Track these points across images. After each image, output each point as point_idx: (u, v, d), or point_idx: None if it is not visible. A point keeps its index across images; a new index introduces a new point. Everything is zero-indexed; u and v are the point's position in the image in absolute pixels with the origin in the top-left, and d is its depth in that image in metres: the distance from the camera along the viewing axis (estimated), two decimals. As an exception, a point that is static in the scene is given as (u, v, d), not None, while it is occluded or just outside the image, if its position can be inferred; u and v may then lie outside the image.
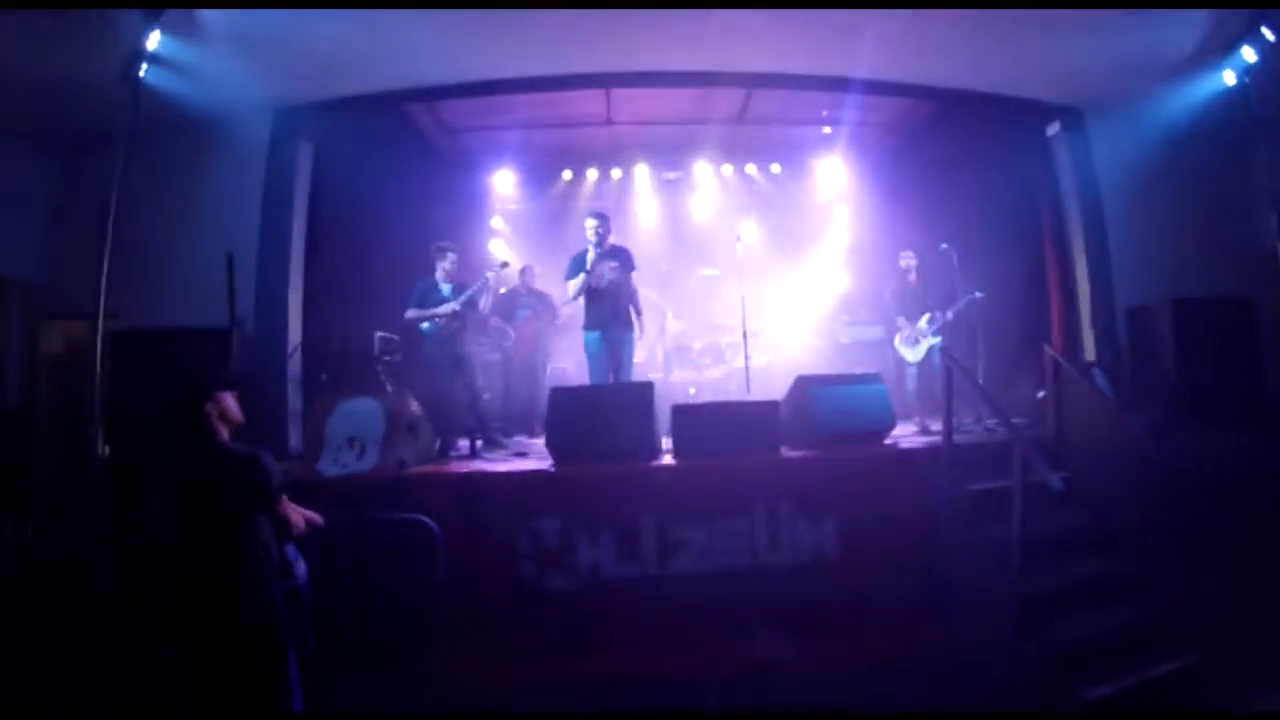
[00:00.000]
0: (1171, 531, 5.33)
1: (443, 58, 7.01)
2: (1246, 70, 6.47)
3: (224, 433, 3.48)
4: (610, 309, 6.77)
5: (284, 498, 3.52)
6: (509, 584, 5.33)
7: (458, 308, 6.81)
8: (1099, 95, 7.79)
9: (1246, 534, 5.61)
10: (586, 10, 6.05)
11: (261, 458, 3.40)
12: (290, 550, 3.65)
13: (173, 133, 6.80)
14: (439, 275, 6.95)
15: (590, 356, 6.85)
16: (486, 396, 7.80)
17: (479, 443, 6.79)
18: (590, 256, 6.69)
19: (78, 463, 6.00)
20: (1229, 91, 6.72)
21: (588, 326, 6.86)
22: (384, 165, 8.21)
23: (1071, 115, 8.19)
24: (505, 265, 7.66)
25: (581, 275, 6.69)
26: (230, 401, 3.53)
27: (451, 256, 6.99)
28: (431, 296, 6.87)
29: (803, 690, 4.80)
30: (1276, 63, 6.26)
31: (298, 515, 3.60)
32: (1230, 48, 6.47)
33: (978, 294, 7.27)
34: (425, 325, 6.85)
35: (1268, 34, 6.13)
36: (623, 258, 6.86)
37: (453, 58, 7.03)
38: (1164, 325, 7.12)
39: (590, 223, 6.80)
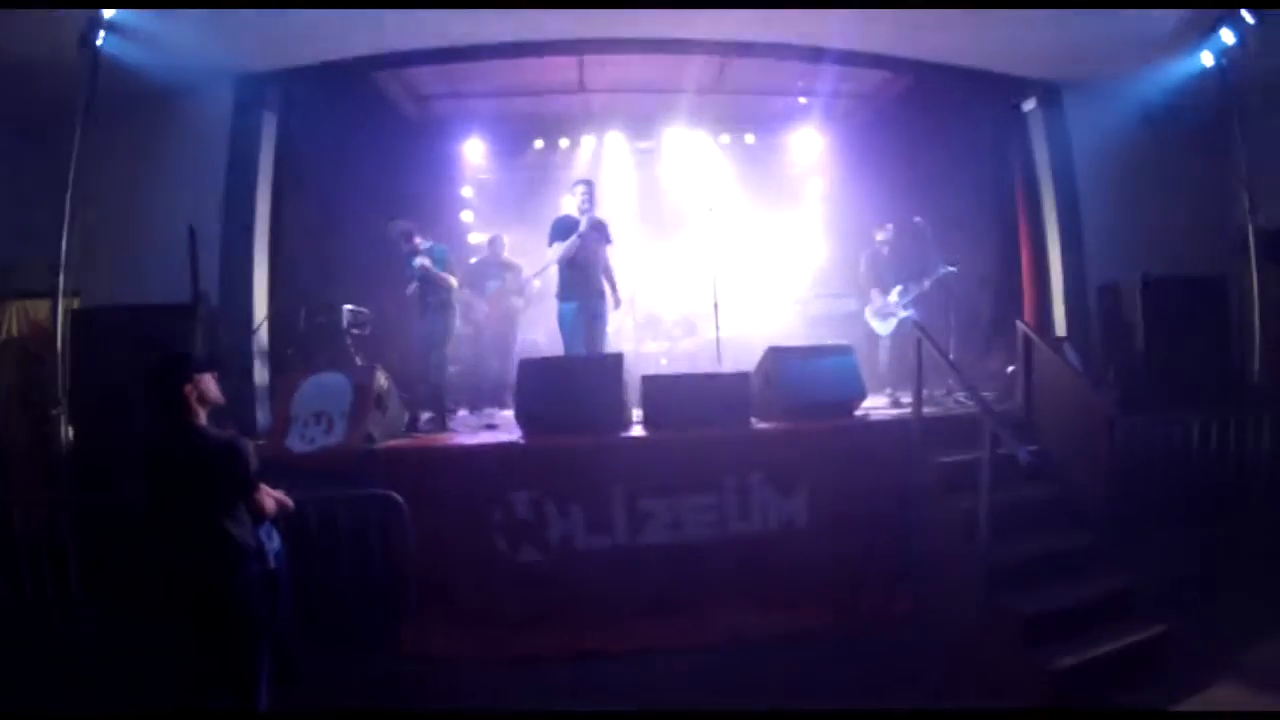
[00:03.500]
0: (1139, 504, 5.42)
1: (411, 23, 6.80)
2: (1223, 52, 6.48)
3: (202, 415, 3.44)
4: (586, 280, 6.75)
5: (259, 481, 3.48)
6: (481, 557, 5.32)
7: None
8: (1076, 72, 7.77)
9: (1213, 507, 5.73)
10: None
11: (240, 446, 3.38)
12: (264, 531, 3.62)
13: (132, 104, 6.56)
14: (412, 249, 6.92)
15: (565, 327, 6.81)
16: (453, 369, 7.71)
17: (448, 414, 6.74)
18: (583, 223, 6.65)
19: (42, 446, 5.89)
20: (1205, 72, 6.73)
21: (563, 297, 6.81)
22: (351, 134, 8.05)
23: (1048, 91, 8.17)
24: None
25: (571, 239, 6.65)
26: (210, 383, 3.48)
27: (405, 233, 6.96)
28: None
29: (775, 660, 4.86)
30: (1254, 45, 6.26)
31: (270, 500, 3.58)
32: (1208, 29, 6.47)
33: (950, 267, 7.28)
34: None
35: (1246, 16, 6.13)
36: (602, 229, 6.80)
37: (421, 23, 6.83)
38: (1134, 302, 7.16)
39: (580, 189, 6.78)
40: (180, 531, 3.33)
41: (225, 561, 3.32)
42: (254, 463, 3.41)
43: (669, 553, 5.35)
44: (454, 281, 7.00)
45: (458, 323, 7.27)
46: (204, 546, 3.31)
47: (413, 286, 6.94)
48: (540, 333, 8.78)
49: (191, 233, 6.02)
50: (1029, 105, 8.35)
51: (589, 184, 6.86)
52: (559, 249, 6.72)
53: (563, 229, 6.76)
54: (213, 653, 3.35)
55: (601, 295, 6.89)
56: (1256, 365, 6.56)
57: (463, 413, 7.56)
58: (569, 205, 7.15)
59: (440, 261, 6.87)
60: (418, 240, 6.90)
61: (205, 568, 3.31)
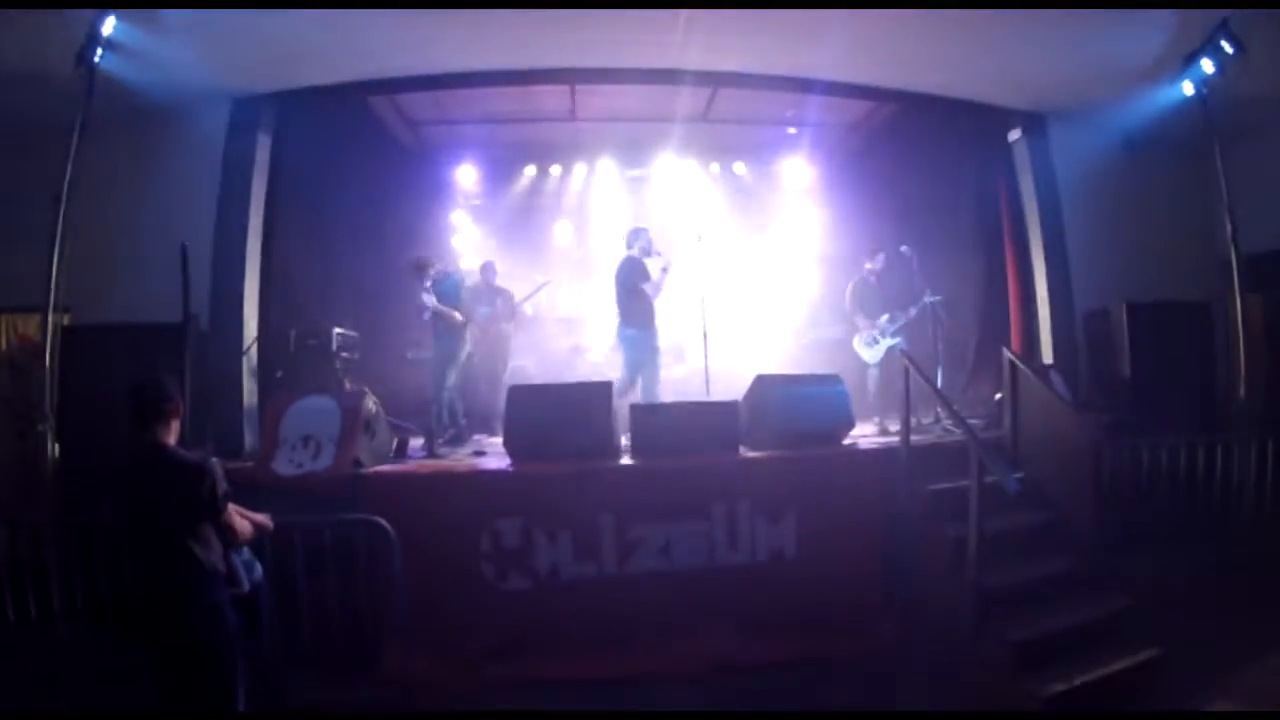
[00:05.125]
0: (1127, 529, 5.45)
1: (405, 49, 6.89)
2: (1204, 81, 6.58)
3: (174, 437, 3.43)
4: (652, 312, 7.06)
5: (229, 506, 3.46)
6: (468, 584, 5.28)
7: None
8: (1061, 102, 7.90)
9: (1200, 530, 5.77)
10: (551, 6, 5.99)
11: (208, 468, 3.35)
12: (243, 556, 3.59)
13: (127, 121, 6.61)
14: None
15: (639, 350, 6.97)
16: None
17: (438, 441, 6.73)
18: (656, 269, 7.05)
19: (27, 462, 5.84)
20: (1187, 101, 6.83)
21: (638, 325, 6.98)
22: (344, 158, 8.09)
23: (1033, 121, 8.30)
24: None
25: (658, 277, 7.06)
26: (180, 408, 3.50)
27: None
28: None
29: (763, 688, 4.84)
30: (1234, 75, 6.38)
31: (244, 522, 3.56)
32: (1189, 59, 6.57)
33: (936, 297, 7.34)
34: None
35: (1226, 47, 6.24)
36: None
37: (415, 50, 6.92)
38: (1120, 328, 7.24)
39: (642, 234, 7.18)
40: (145, 551, 3.32)
41: (188, 584, 3.28)
42: (222, 485, 3.38)
43: (657, 581, 5.32)
44: (458, 317, 7.14)
45: (466, 349, 7.33)
46: (167, 568, 3.28)
47: (426, 314, 7.12)
48: (530, 359, 8.78)
49: (184, 252, 6.01)
50: (1014, 135, 8.47)
51: (646, 229, 7.27)
52: (632, 287, 7.01)
53: (634, 271, 7.04)
54: (178, 676, 3.29)
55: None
56: (1241, 389, 6.61)
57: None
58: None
59: (450, 293, 7.06)
60: (432, 272, 7.07)
61: (167, 589, 3.27)
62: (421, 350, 7.96)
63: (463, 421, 7.23)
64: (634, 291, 6.98)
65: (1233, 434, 6.17)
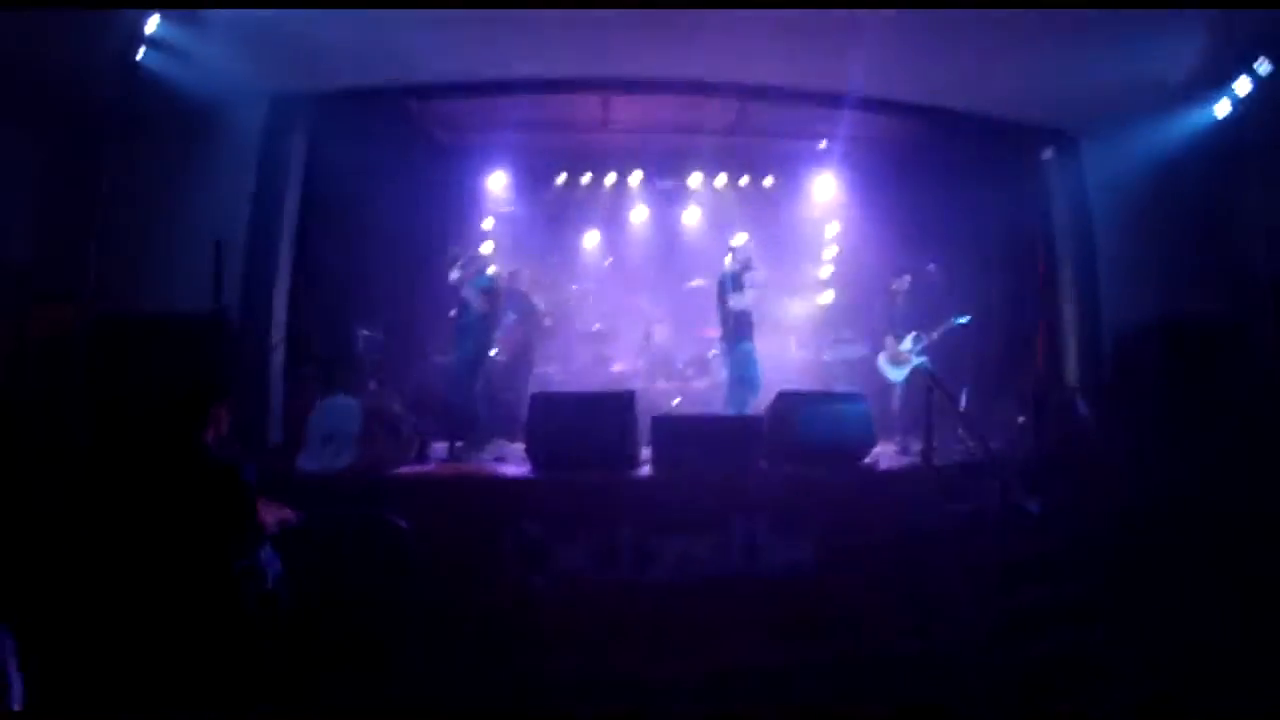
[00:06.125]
0: (1150, 557, 5.36)
1: (442, 55, 6.95)
2: (1241, 101, 6.49)
3: (210, 437, 3.48)
4: (751, 325, 7.28)
5: (258, 504, 3.50)
6: (485, 589, 5.30)
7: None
8: (1094, 121, 7.80)
9: (1227, 563, 5.65)
10: (586, 11, 6.04)
11: (243, 472, 3.40)
12: (265, 552, 3.63)
13: (166, 117, 6.66)
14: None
15: (748, 363, 7.17)
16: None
17: (458, 444, 6.77)
18: (748, 284, 7.27)
19: (61, 449, 5.93)
20: (1223, 121, 6.75)
21: (745, 338, 7.23)
22: (378, 161, 8.15)
23: (1065, 140, 8.21)
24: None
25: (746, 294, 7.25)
26: (224, 414, 3.55)
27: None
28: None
29: (775, 701, 4.82)
30: (1271, 94, 6.29)
31: (271, 518, 3.59)
32: (1225, 78, 6.49)
33: (964, 319, 7.29)
34: None
35: (1262, 67, 6.16)
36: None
37: (452, 55, 6.98)
38: (1151, 351, 7.13)
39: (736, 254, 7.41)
40: (179, 553, 3.34)
41: (218, 582, 3.32)
42: (254, 486, 3.43)
43: (674, 592, 5.33)
44: (479, 306, 7.10)
45: (491, 349, 7.39)
46: (198, 566, 3.31)
47: (452, 312, 7.23)
48: (554, 366, 8.80)
49: (218, 247, 6.10)
50: (1047, 154, 8.38)
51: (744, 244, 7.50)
52: (732, 302, 7.22)
53: (733, 285, 7.24)
54: (203, 672, 3.31)
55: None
56: (1275, 413, 6.45)
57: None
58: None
59: (484, 290, 7.06)
60: (460, 266, 7.15)
61: (198, 587, 3.30)
62: (448, 353, 8.01)
63: (482, 427, 7.22)
64: (729, 305, 7.15)
65: (1265, 459, 6.04)
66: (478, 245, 9.63)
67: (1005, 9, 5.70)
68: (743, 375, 7.12)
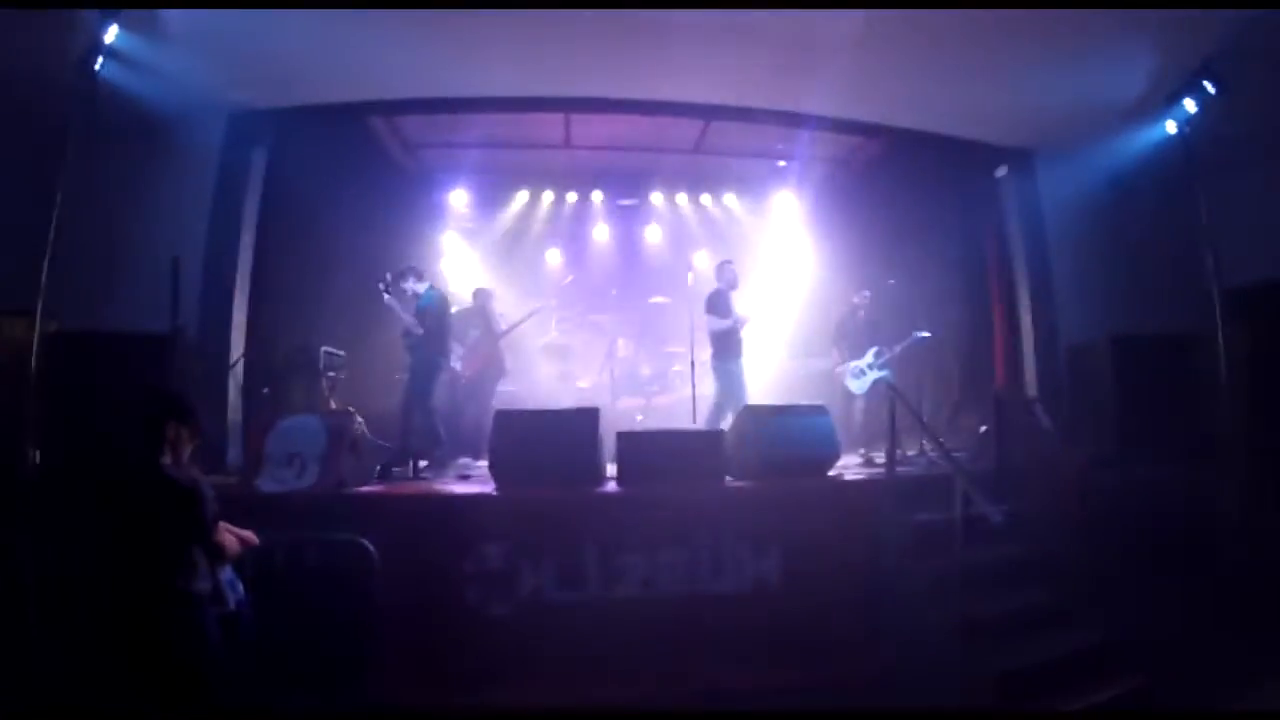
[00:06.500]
0: (1112, 560, 5.47)
1: (404, 71, 6.95)
2: (1187, 120, 6.71)
3: (169, 457, 3.39)
4: (741, 344, 7.28)
5: (218, 524, 3.43)
6: (451, 608, 5.22)
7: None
8: (1047, 140, 8.06)
9: (1184, 562, 5.78)
10: (549, 34, 6.08)
11: (201, 490, 3.33)
12: (226, 574, 3.56)
13: (124, 130, 6.51)
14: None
15: (735, 382, 7.18)
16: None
17: (422, 463, 6.69)
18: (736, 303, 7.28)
19: (9, 463, 5.75)
20: (1170, 140, 6.97)
21: (728, 358, 7.22)
22: (338, 177, 8.09)
23: (1020, 158, 8.45)
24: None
25: (731, 320, 7.22)
26: (184, 433, 3.46)
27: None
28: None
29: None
30: (1216, 114, 6.52)
31: (232, 539, 3.53)
32: (1173, 98, 6.70)
33: (924, 333, 7.41)
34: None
35: (1208, 87, 6.39)
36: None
37: (414, 72, 6.99)
38: (1104, 362, 7.28)
39: (729, 268, 7.45)
40: (132, 570, 3.27)
41: (175, 603, 3.25)
42: (212, 507, 3.36)
43: (641, 609, 5.28)
44: (410, 325, 6.98)
45: (439, 368, 7.22)
46: (154, 587, 3.24)
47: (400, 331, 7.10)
48: (519, 384, 8.76)
49: (175, 264, 5.98)
50: (1001, 172, 8.60)
51: (731, 262, 7.55)
52: (720, 321, 7.22)
53: (721, 304, 7.24)
54: (156, 692, 3.24)
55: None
56: (1226, 421, 6.66)
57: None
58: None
59: (421, 310, 6.95)
60: (387, 289, 7.03)
61: (150, 609, 3.23)
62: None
63: (444, 445, 7.12)
64: (720, 324, 7.17)
65: (1216, 465, 6.21)
66: (416, 264, 9.58)
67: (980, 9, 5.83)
68: (731, 394, 7.13)
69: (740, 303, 7.35)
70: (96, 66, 5.67)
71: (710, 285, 7.56)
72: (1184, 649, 4.95)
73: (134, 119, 6.35)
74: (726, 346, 7.23)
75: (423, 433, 6.87)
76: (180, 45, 5.91)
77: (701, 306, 7.32)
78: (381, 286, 7.02)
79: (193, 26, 5.79)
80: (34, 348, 5.50)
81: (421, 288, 7.14)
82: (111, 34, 5.66)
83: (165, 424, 3.36)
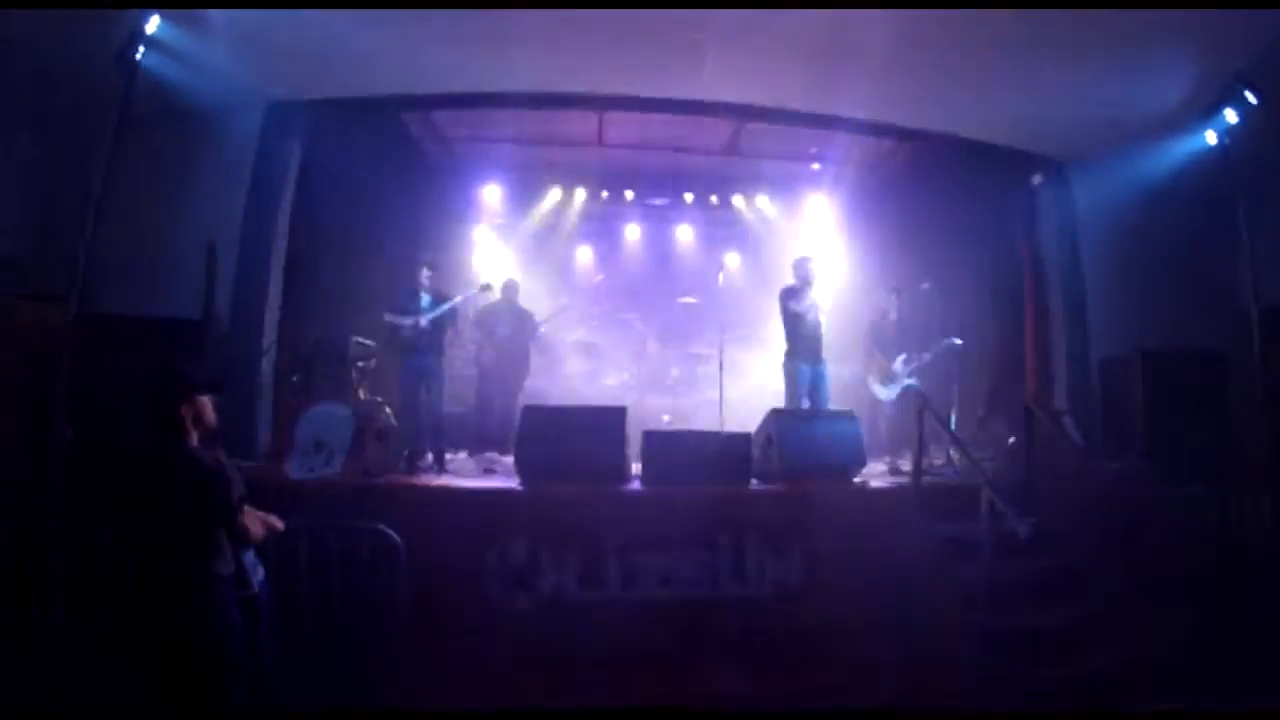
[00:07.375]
0: (1138, 578, 5.39)
1: (439, 67, 6.98)
2: (1228, 131, 6.58)
3: (194, 437, 3.39)
4: (818, 343, 7.08)
5: (243, 507, 3.45)
6: (472, 601, 5.26)
7: (424, 322, 6.78)
8: (1083, 149, 7.94)
9: (1212, 581, 5.68)
10: (584, 28, 6.08)
11: (226, 473, 3.32)
12: (249, 557, 3.58)
13: (162, 119, 6.62)
14: (419, 285, 6.95)
15: (800, 384, 6.98)
16: (459, 410, 7.73)
17: (446, 457, 6.73)
18: (809, 295, 7.07)
19: (40, 446, 5.85)
20: (1210, 151, 6.83)
21: (797, 357, 7.04)
22: (373, 169, 8.16)
23: (1056, 167, 8.33)
24: (486, 288, 7.73)
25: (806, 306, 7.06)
26: (207, 406, 3.44)
27: (426, 271, 7.03)
28: (409, 305, 6.85)
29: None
30: (1257, 125, 6.38)
31: (257, 524, 3.53)
32: (1213, 108, 6.58)
33: (955, 340, 7.33)
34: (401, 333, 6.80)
35: (1250, 97, 6.26)
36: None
37: (449, 67, 7.01)
38: (1135, 376, 7.19)
39: (806, 264, 7.23)
40: (155, 553, 3.28)
41: (196, 588, 3.25)
42: (237, 490, 3.35)
43: (661, 608, 5.29)
44: (403, 321, 6.87)
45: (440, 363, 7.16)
46: (177, 570, 3.25)
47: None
48: (547, 380, 8.78)
49: (211, 250, 6.05)
50: (1037, 180, 8.50)
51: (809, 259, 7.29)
52: (794, 314, 7.06)
53: (792, 296, 7.09)
54: (177, 678, 3.24)
55: (824, 359, 7.15)
56: (1260, 440, 6.53)
57: (462, 455, 7.56)
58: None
59: (407, 304, 6.92)
60: (424, 277, 7.02)
61: (174, 593, 3.23)
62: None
63: (445, 448, 7.06)
64: (791, 320, 7.06)
65: (1247, 484, 6.09)
66: (467, 262, 9.61)
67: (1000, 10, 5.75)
68: (820, 400, 6.97)
69: (820, 300, 7.21)
70: (138, 56, 5.77)
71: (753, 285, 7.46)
72: (1209, 667, 4.87)
73: (172, 108, 6.44)
74: (796, 344, 7.07)
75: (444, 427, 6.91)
76: (219, 36, 5.96)
77: (775, 302, 7.20)
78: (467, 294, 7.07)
79: (232, 18, 5.84)
80: (68, 332, 5.61)
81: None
82: (152, 24, 5.75)
83: (178, 406, 3.34)
